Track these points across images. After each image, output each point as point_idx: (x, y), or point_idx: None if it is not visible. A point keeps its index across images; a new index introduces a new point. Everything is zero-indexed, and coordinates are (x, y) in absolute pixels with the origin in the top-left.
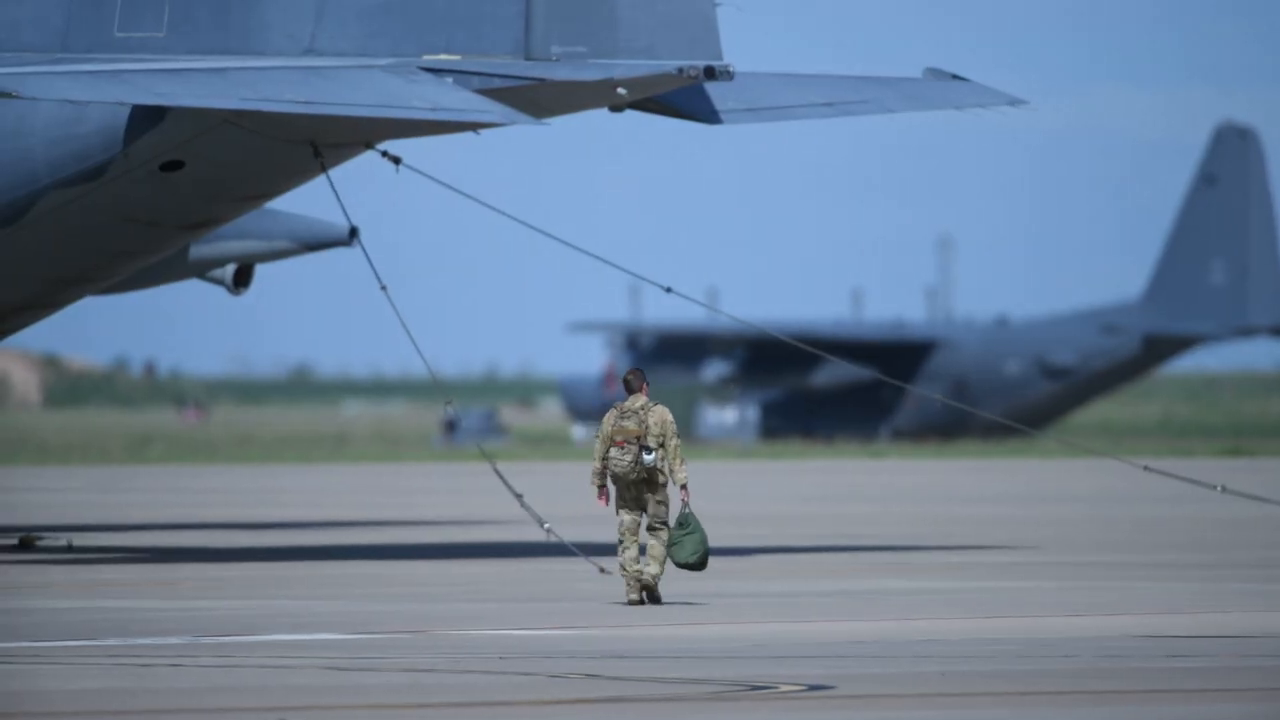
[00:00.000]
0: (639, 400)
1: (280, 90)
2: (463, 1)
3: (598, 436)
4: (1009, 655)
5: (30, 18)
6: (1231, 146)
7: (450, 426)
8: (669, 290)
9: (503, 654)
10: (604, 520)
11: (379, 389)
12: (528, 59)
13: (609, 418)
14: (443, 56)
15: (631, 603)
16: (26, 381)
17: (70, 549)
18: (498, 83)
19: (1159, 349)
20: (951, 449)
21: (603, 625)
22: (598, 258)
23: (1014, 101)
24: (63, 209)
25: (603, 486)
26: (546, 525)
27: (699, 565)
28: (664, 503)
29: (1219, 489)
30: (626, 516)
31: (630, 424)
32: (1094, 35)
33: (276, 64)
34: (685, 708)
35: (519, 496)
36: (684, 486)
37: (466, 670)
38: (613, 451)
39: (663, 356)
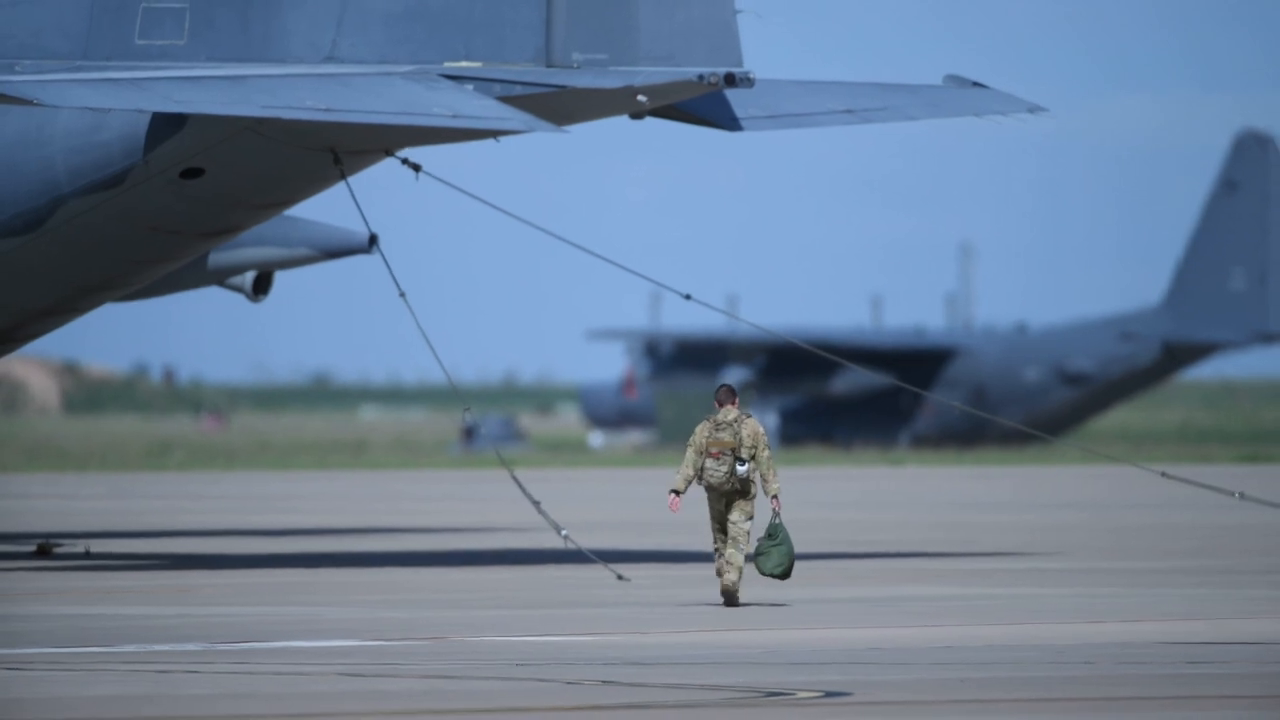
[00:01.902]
0: (731, 413)
1: (300, 97)
2: (484, 8)
3: (689, 446)
4: (1028, 661)
5: (51, 25)
6: (1252, 153)
7: (469, 433)
8: (688, 297)
9: (520, 660)
10: (621, 527)
11: (397, 396)
12: (548, 66)
13: (702, 429)
14: (463, 64)
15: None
16: (45, 388)
17: (88, 555)
18: (518, 90)
19: (1178, 356)
20: (970, 456)
21: (620, 632)
22: (617, 265)
23: (1033, 109)
24: (83, 216)
25: (679, 493)
26: (564, 532)
27: (784, 576)
28: (749, 514)
29: (1237, 495)
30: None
31: (725, 436)
32: (1111, 42)
33: (297, 71)
34: (702, 714)
35: (537, 503)
36: (775, 497)
37: (483, 677)
38: (708, 462)
39: (682, 363)
